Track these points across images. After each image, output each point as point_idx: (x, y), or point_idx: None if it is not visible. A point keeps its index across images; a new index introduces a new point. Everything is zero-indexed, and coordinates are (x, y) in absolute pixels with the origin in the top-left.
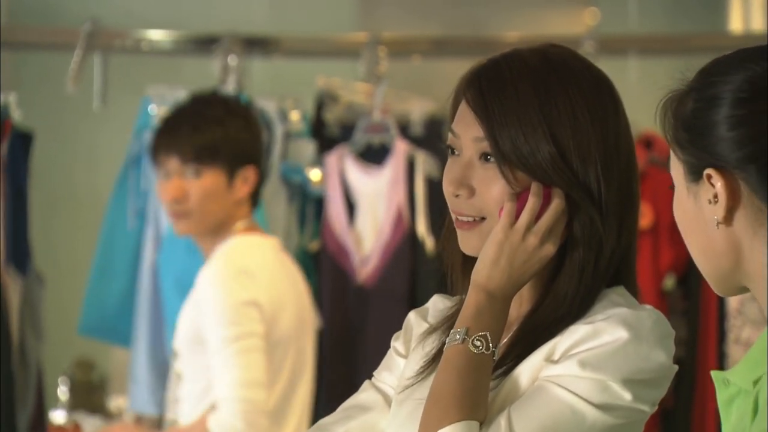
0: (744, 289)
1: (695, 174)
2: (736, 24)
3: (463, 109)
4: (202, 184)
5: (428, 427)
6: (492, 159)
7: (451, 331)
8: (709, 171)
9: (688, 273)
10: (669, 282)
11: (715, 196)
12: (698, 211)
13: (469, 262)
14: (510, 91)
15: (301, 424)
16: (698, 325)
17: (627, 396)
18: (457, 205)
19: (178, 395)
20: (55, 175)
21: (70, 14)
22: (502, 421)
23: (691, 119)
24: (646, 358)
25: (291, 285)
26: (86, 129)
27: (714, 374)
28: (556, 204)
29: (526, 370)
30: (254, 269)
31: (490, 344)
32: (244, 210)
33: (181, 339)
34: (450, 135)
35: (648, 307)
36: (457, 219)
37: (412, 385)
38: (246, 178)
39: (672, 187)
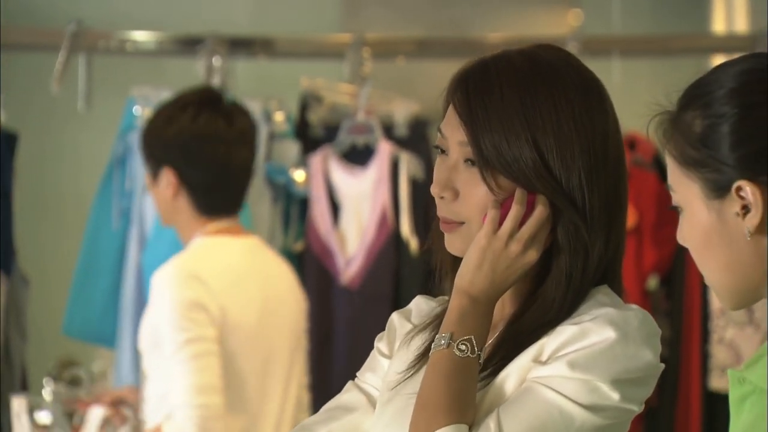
0: (754, 302)
1: (719, 190)
2: (719, 25)
3: (451, 112)
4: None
5: None
6: (476, 163)
7: (436, 336)
8: (740, 183)
9: (672, 273)
10: (652, 282)
11: (743, 207)
12: (722, 227)
13: (458, 259)
14: (495, 95)
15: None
16: (681, 325)
17: (615, 396)
18: (440, 207)
19: (144, 395)
20: (39, 176)
21: (54, 15)
22: (491, 423)
23: (708, 136)
24: (633, 358)
25: (258, 288)
26: (71, 130)
27: (730, 372)
28: (539, 211)
29: (513, 372)
30: (204, 273)
31: (475, 348)
32: (183, 210)
33: (143, 339)
34: (438, 135)
35: (634, 306)
36: (442, 220)
37: (402, 380)
38: (168, 179)
39: (673, 209)
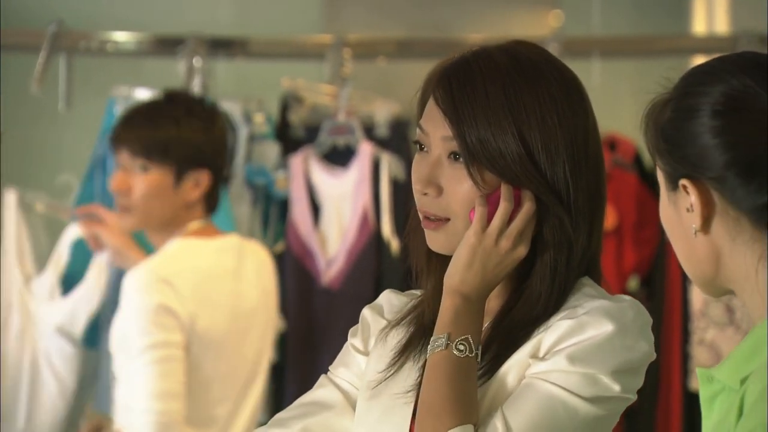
0: (724, 293)
1: (673, 183)
2: (699, 26)
3: (432, 107)
4: (147, 180)
5: None
6: (460, 159)
7: (432, 338)
8: (683, 181)
9: (652, 274)
10: (633, 283)
11: (692, 205)
12: (678, 219)
13: (434, 254)
14: (479, 92)
15: (249, 427)
16: (662, 326)
17: (616, 387)
18: (423, 203)
19: (114, 396)
20: (20, 176)
21: (34, 15)
22: (497, 422)
23: (668, 129)
24: (631, 349)
25: (229, 293)
26: (51, 130)
27: (699, 371)
28: (528, 207)
29: (512, 368)
30: (175, 278)
31: (473, 347)
32: (196, 213)
33: (113, 341)
34: (418, 131)
35: (626, 297)
36: (424, 218)
37: (384, 380)
38: (198, 180)
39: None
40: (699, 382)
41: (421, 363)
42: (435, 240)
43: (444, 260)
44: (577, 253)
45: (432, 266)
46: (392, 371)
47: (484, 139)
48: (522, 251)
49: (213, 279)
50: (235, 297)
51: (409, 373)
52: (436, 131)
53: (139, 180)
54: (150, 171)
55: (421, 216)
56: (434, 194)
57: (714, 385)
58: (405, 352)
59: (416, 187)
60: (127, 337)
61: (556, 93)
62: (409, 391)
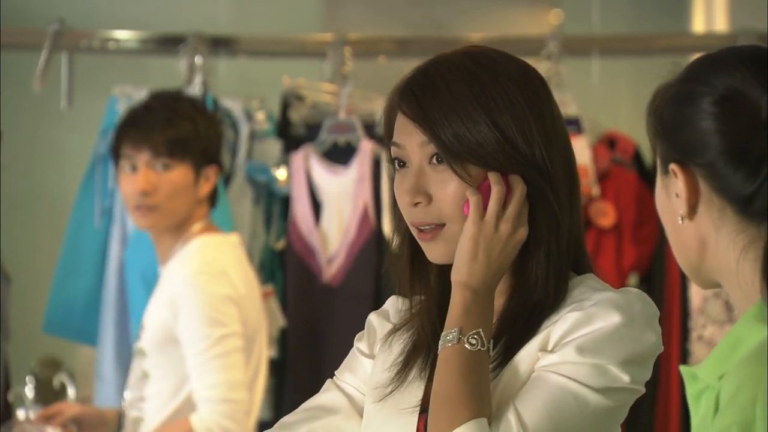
0: (713, 285)
1: (665, 167)
2: (698, 25)
3: (401, 120)
4: (172, 178)
5: (439, 430)
6: (442, 160)
7: (443, 333)
8: (672, 166)
9: (651, 271)
10: (632, 280)
11: (679, 190)
12: (668, 203)
13: (417, 276)
14: (444, 92)
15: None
16: (661, 323)
17: (626, 378)
18: (416, 215)
19: (144, 394)
20: (21, 174)
21: (36, 15)
22: (510, 416)
23: (665, 113)
24: (639, 340)
25: (250, 282)
26: (53, 128)
27: (683, 369)
28: (521, 189)
29: (522, 361)
30: (228, 268)
31: (485, 340)
32: (204, 209)
33: (150, 339)
34: (393, 148)
35: (633, 289)
36: (419, 231)
37: (389, 393)
38: (208, 176)
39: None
40: (685, 381)
41: (426, 377)
42: (434, 250)
43: (427, 281)
44: (563, 232)
45: (414, 281)
46: (396, 385)
47: (460, 134)
48: (522, 234)
49: (242, 271)
50: (253, 290)
51: (415, 388)
52: (411, 140)
53: (163, 179)
54: (173, 169)
55: (414, 231)
56: (425, 202)
57: (698, 383)
58: (408, 364)
59: (405, 200)
60: (176, 331)
61: (518, 79)
62: (416, 406)
